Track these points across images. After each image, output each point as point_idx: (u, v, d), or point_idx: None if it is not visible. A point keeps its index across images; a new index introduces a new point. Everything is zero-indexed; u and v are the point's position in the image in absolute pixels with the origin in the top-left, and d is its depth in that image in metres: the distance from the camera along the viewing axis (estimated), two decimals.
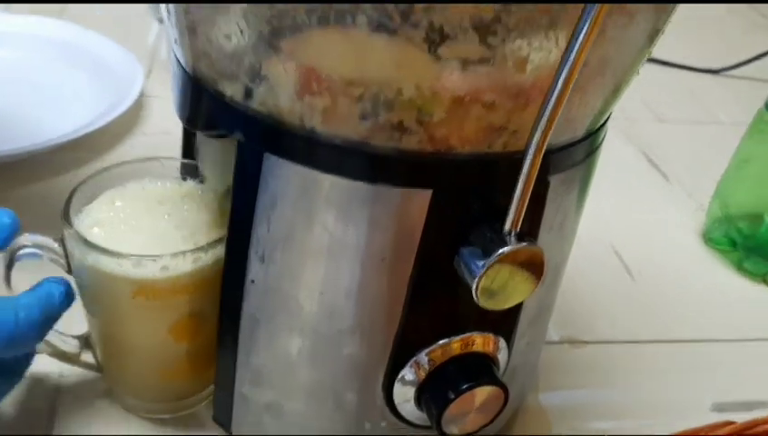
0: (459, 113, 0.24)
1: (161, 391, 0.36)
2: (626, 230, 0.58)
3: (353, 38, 0.22)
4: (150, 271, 0.30)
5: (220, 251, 0.31)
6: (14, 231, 0.31)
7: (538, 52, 0.22)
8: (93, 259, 0.30)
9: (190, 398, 0.37)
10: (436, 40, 0.22)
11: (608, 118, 0.32)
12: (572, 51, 0.22)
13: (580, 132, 0.28)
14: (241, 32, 0.24)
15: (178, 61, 0.29)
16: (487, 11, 0.21)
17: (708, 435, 0.33)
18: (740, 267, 0.55)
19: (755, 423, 0.34)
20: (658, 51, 0.86)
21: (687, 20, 1.06)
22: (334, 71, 0.23)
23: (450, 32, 0.21)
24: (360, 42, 0.22)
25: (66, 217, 0.32)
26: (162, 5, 0.28)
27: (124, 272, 0.30)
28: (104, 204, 0.34)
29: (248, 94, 0.26)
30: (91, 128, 0.54)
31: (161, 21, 0.78)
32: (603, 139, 0.32)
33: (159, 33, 0.76)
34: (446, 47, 0.22)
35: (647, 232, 0.58)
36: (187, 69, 0.28)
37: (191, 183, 0.36)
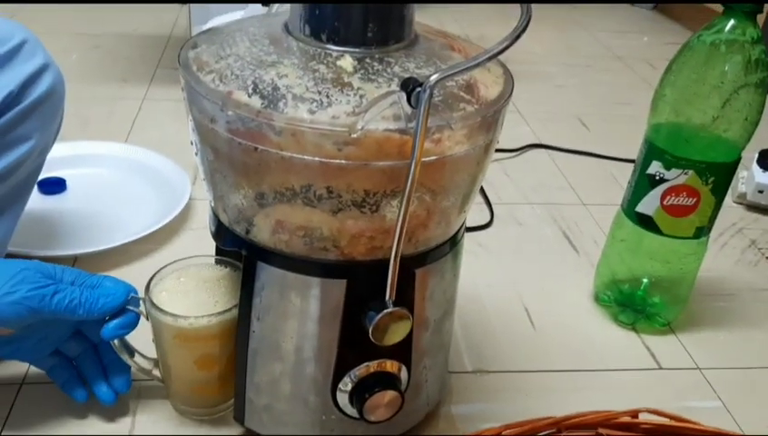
0: (354, 241, 0.46)
1: (194, 400, 0.58)
2: (536, 291, 0.79)
3: (297, 209, 0.45)
4: (183, 324, 0.53)
5: (230, 314, 0.53)
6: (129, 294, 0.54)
7: (387, 210, 0.45)
8: (155, 312, 0.53)
9: (217, 406, 0.59)
10: (335, 210, 0.44)
11: (462, 227, 0.54)
12: (400, 211, 0.43)
13: (434, 244, 0.50)
14: (243, 203, 0.47)
15: (211, 206, 0.52)
16: (358, 195, 0.43)
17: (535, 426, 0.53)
18: (616, 319, 0.75)
19: (572, 416, 0.54)
20: (591, 145, 1.15)
21: (615, 118, 1.30)
22: (290, 222, 0.46)
23: (342, 206, 0.44)
24: (300, 210, 0.45)
25: (147, 286, 0.54)
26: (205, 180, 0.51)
27: (169, 323, 0.53)
28: (173, 279, 0.57)
29: (247, 231, 0.48)
30: (155, 227, 0.77)
31: None
32: (460, 241, 0.54)
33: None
34: (341, 213, 0.44)
35: (552, 293, 0.79)
36: (216, 212, 0.51)
37: (225, 270, 0.58)
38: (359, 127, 0.41)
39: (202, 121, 0.45)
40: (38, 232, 0.77)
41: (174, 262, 0.57)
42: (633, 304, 0.75)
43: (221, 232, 0.52)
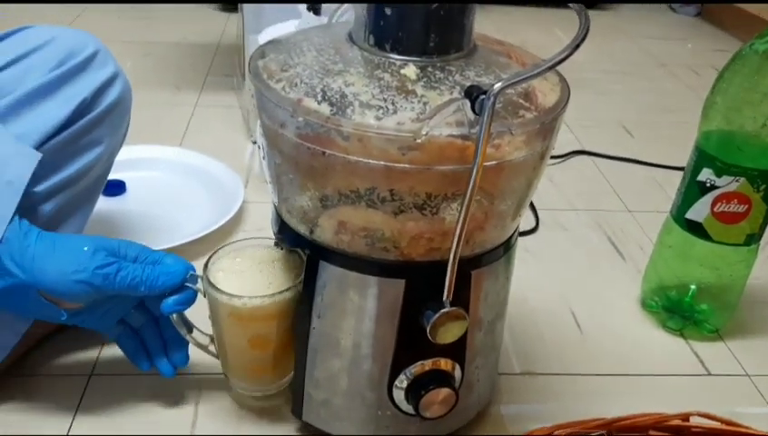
0: (414, 242, 0.48)
1: (248, 377, 0.60)
2: (582, 295, 0.79)
3: (360, 211, 0.47)
4: (237, 303, 0.54)
5: (283, 296, 0.54)
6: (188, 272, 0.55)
7: (447, 213, 0.46)
8: (211, 290, 0.54)
9: (269, 385, 0.60)
10: (397, 212, 0.46)
11: (516, 231, 0.55)
12: (461, 212, 0.45)
13: (490, 246, 0.52)
14: (308, 204, 0.49)
15: (275, 207, 0.54)
16: (420, 197, 0.45)
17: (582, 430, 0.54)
18: (664, 325, 0.76)
19: (623, 418, 0.55)
20: (635, 152, 1.15)
21: (659, 125, 1.30)
22: (352, 223, 0.48)
23: (404, 208, 0.46)
24: (363, 212, 0.46)
25: (205, 264, 0.56)
26: (268, 176, 0.54)
27: (224, 301, 0.54)
28: (229, 259, 0.58)
29: (311, 231, 0.50)
30: (210, 229, 0.80)
31: (254, 142, 1.06)
32: (513, 245, 0.55)
33: (252, 151, 1.04)
34: (402, 215, 0.46)
35: (599, 298, 0.79)
36: (279, 213, 0.54)
37: (281, 252, 0.58)
38: (424, 133, 0.43)
39: (272, 126, 0.47)
40: (102, 233, 0.81)
41: (232, 242, 0.59)
42: (680, 311, 0.76)
43: (285, 233, 0.54)
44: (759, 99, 0.63)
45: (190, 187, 0.93)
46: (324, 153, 0.45)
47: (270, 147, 0.49)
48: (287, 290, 0.54)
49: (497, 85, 0.41)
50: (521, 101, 0.47)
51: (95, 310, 0.56)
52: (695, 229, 0.70)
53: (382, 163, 0.44)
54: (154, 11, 1.68)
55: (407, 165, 0.44)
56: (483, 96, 0.41)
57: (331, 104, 0.44)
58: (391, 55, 0.47)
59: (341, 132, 0.43)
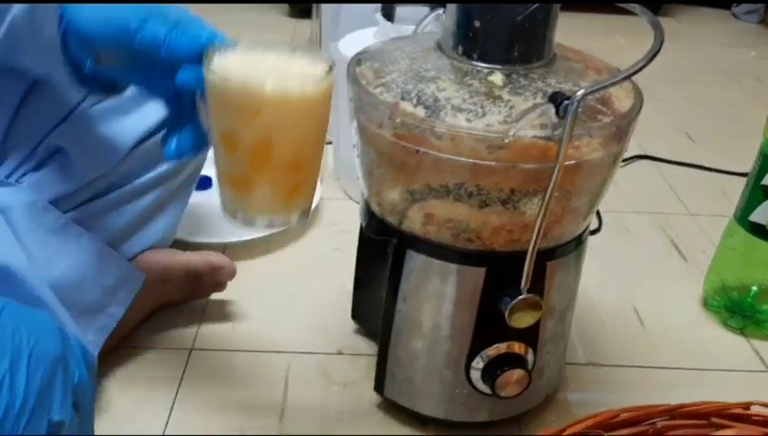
0: (496, 233, 0.52)
1: (259, 192, 0.47)
2: (644, 293, 0.83)
3: (448, 204, 0.51)
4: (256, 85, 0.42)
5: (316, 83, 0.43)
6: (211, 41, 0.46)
7: (528, 208, 0.51)
8: (220, 76, 0.43)
9: (282, 210, 0.48)
10: (482, 204, 0.51)
11: (587, 227, 0.59)
12: (542, 207, 0.50)
13: (564, 240, 0.56)
14: (399, 197, 0.54)
15: (364, 199, 0.60)
16: (504, 193, 0.50)
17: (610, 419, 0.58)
18: (725, 323, 0.78)
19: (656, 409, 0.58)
20: (698, 158, 1.18)
21: (721, 131, 1.31)
22: (440, 215, 0.53)
23: (489, 202, 0.50)
24: (451, 205, 0.51)
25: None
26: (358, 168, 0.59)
27: (238, 86, 0.43)
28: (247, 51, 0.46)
29: (399, 222, 0.56)
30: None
31: (328, 142, 1.11)
32: (585, 240, 0.59)
33: (325, 149, 1.09)
34: (487, 208, 0.51)
35: (661, 295, 0.83)
36: (369, 205, 0.59)
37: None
38: (512, 134, 0.47)
39: (369, 126, 0.53)
40: (194, 223, 0.87)
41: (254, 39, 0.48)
42: (742, 310, 0.78)
43: (373, 224, 0.59)
44: None
45: None
46: (418, 150, 0.50)
47: (366, 145, 0.55)
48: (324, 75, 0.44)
49: (581, 92, 0.46)
50: (599, 106, 0.51)
51: (129, 70, 0.50)
52: (759, 231, 0.72)
53: (471, 160, 0.49)
54: (222, 15, 1.77)
55: (494, 163, 0.48)
56: (567, 102, 0.46)
57: (426, 107, 0.49)
58: (479, 64, 0.52)
59: (435, 132, 0.49)
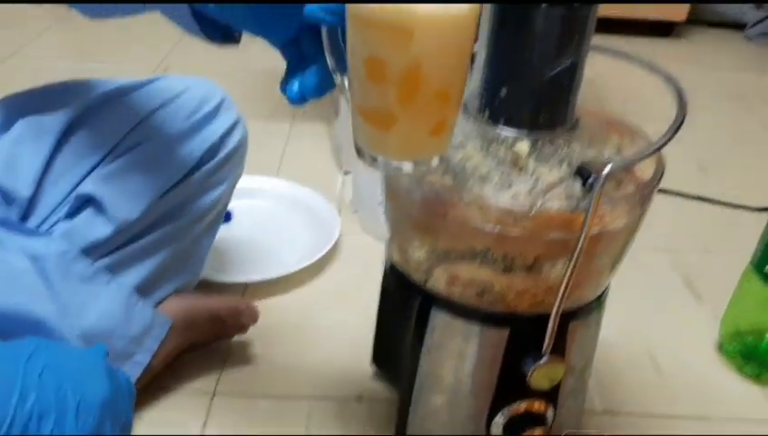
0: (520, 296, 0.53)
1: (405, 127, 0.43)
2: (660, 337, 0.83)
3: (473, 267, 0.52)
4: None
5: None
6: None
7: (552, 273, 0.52)
8: None
9: (427, 148, 0.45)
10: (507, 269, 0.51)
11: (608, 286, 0.60)
12: (566, 275, 0.50)
13: (585, 301, 0.57)
14: (425, 257, 0.55)
15: (389, 254, 0.61)
16: (529, 259, 0.51)
17: None
18: (741, 370, 0.79)
19: None
20: (711, 191, 1.19)
21: (737, 160, 1.31)
22: (465, 277, 0.54)
23: (514, 268, 0.51)
24: (476, 268, 0.52)
25: None
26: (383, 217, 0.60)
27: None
28: None
29: (424, 281, 0.56)
30: (311, 261, 0.87)
31: (345, 173, 1.13)
32: (605, 298, 0.60)
33: (344, 182, 1.10)
34: (512, 273, 0.52)
35: (677, 340, 0.83)
36: (393, 261, 0.60)
37: None
38: (537, 206, 0.48)
39: (398, 190, 0.54)
40: (216, 259, 0.89)
41: None
42: (757, 356, 0.79)
43: (398, 278, 0.60)
44: None
45: (289, 216, 1.00)
46: (446, 216, 0.51)
47: (395, 208, 0.56)
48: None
49: (607, 170, 0.47)
50: (622, 175, 0.52)
51: (252, 8, 0.46)
52: None
53: (498, 229, 0.49)
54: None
55: (519, 233, 0.49)
56: (593, 177, 0.47)
57: (454, 176, 0.50)
58: (504, 128, 0.53)
59: (462, 199, 0.49)
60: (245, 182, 1.04)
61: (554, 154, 0.52)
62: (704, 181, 1.21)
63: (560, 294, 0.51)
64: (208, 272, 0.83)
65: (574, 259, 0.49)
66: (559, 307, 0.52)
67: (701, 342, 0.83)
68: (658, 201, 1.18)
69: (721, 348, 0.82)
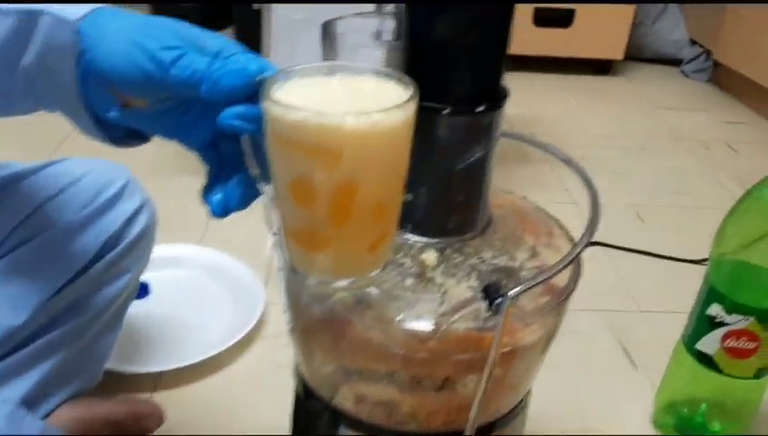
0: (432, 416, 0.50)
1: (341, 248, 0.40)
2: (594, 408, 0.81)
3: (380, 387, 0.48)
4: (328, 123, 0.35)
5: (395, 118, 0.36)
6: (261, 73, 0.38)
7: (464, 391, 0.48)
8: (278, 109, 0.36)
9: (367, 266, 0.41)
10: (415, 389, 0.48)
11: (529, 390, 0.57)
12: (477, 396, 0.47)
13: (505, 411, 0.53)
14: (330, 375, 0.51)
15: (298, 369, 0.56)
16: (438, 380, 0.47)
17: None
18: None
19: None
20: (648, 241, 1.16)
21: (672, 210, 1.31)
22: (372, 397, 0.50)
23: (423, 389, 0.48)
24: (383, 389, 0.48)
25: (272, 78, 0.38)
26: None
27: (276, 114, 0.36)
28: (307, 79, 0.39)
29: (332, 397, 0.52)
30: (232, 342, 0.82)
31: (274, 234, 1.08)
32: (527, 402, 0.57)
33: (273, 245, 1.06)
34: (422, 393, 0.48)
35: (611, 412, 0.81)
36: (302, 376, 0.56)
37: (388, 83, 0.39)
38: (443, 328, 0.45)
39: (299, 303, 0.50)
40: (126, 345, 0.83)
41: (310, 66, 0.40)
42: (692, 429, 0.77)
43: (306, 390, 0.56)
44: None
45: (212, 289, 0.95)
46: (346, 336, 0.47)
47: (295, 320, 0.52)
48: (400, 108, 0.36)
49: (513, 292, 0.43)
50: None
51: (160, 114, 0.42)
52: (706, 361, 0.71)
53: (403, 351, 0.46)
54: None
55: (426, 355, 0.46)
56: (499, 299, 0.43)
57: (355, 292, 0.46)
58: (410, 236, 0.50)
59: (364, 320, 0.46)
60: (166, 250, 0.99)
61: (463, 264, 0.48)
62: (642, 231, 1.20)
63: (472, 417, 0.47)
64: (115, 363, 0.77)
65: (484, 380, 0.46)
66: (473, 428, 0.48)
67: (636, 414, 0.81)
68: (595, 254, 1.15)
69: (656, 423, 0.80)
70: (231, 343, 0.82)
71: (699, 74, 1.97)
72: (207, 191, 0.44)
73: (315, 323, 0.49)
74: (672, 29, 2.01)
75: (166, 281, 0.95)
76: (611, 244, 1.14)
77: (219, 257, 0.98)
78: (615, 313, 0.98)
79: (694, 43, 2.01)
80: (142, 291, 0.93)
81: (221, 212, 0.43)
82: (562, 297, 0.49)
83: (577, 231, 0.57)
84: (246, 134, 0.40)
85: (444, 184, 0.48)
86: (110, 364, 0.76)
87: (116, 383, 0.76)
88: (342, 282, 0.42)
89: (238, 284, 0.94)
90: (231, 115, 0.39)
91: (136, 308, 0.90)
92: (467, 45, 0.44)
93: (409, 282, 0.47)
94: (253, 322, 0.86)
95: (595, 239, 1.20)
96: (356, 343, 0.47)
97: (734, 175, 1.43)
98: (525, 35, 1.78)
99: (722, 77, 1.92)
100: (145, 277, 0.93)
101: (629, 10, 1.84)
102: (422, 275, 0.47)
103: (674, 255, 1.14)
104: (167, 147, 0.64)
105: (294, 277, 0.49)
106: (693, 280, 0.76)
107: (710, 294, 0.70)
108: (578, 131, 1.57)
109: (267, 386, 0.80)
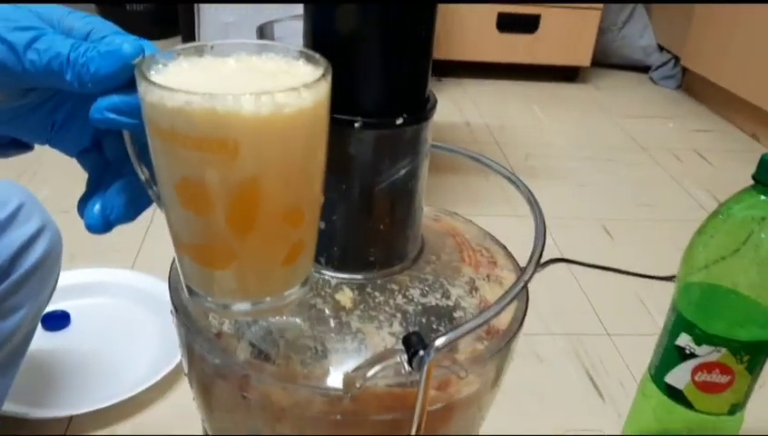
0: None
1: (244, 263, 0.32)
2: None
3: None
4: (219, 106, 0.28)
5: (269, 103, 0.28)
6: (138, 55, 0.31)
7: None
8: (159, 92, 0.28)
9: (277, 286, 0.33)
10: None
11: None
12: None
13: None
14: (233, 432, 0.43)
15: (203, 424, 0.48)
16: None
17: None
18: None
19: None
20: (615, 257, 1.09)
21: (641, 223, 1.25)
22: None
23: None
24: None
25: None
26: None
27: (155, 99, 0.29)
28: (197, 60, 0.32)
29: None
30: (155, 379, 0.74)
31: None
32: None
33: None
34: None
35: None
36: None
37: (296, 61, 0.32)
38: (358, 386, 0.37)
39: (193, 352, 0.42)
40: (38, 385, 0.74)
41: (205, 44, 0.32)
42: None
43: None
44: (742, 261, 0.58)
45: (140, 315, 0.87)
46: (244, 396, 0.39)
47: (190, 370, 0.44)
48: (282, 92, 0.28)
49: (439, 342, 0.36)
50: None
51: (17, 112, 0.35)
52: (676, 396, 0.64)
53: (312, 414, 0.38)
54: None
55: (339, 417, 0.38)
56: (421, 353, 0.36)
57: (252, 344, 0.39)
58: (324, 272, 0.42)
59: (264, 378, 0.38)
60: (89, 275, 0.91)
61: (386, 304, 0.41)
62: (609, 246, 1.14)
63: None
64: (19, 407, 0.69)
65: None
66: None
67: None
68: (559, 270, 1.08)
69: None
70: (153, 381, 0.74)
71: (667, 80, 1.92)
72: (83, 201, 0.36)
73: (210, 377, 0.41)
74: (640, 35, 1.97)
75: (88, 310, 0.86)
76: (576, 260, 1.08)
77: (149, 283, 0.90)
78: (580, 337, 0.91)
79: (662, 49, 1.97)
80: (62, 320, 0.84)
81: (100, 224, 0.35)
82: (504, 341, 0.42)
83: (524, 251, 0.51)
84: (127, 130, 0.33)
85: (361, 209, 0.40)
86: (13, 408, 0.68)
87: (21, 430, 0.67)
88: (249, 309, 0.34)
89: (167, 313, 0.85)
90: (104, 107, 0.32)
91: (54, 341, 0.82)
92: (377, 43, 0.37)
93: (320, 328, 0.39)
94: (176, 361, 0.77)
95: (559, 255, 1.15)
96: (256, 403, 0.39)
97: (705, 186, 1.38)
98: (488, 41, 1.72)
99: (691, 84, 1.87)
100: (66, 306, 0.86)
101: (595, 15, 1.79)
102: (336, 318, 0.40)
103: (643, 271, 1.08)
104: None
105: (186, 322, 0.41)
106: (662, 298, 0.69)
107: (678, 322, 0.63)
108: (543, 140, 1.51)
109: (195, 429, 0.72)
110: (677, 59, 1.89)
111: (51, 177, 1.18)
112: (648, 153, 1.51)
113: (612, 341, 0.91)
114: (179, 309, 0.43)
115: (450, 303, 0.42)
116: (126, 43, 0.32)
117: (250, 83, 0.31)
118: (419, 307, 0.41)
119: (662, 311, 0.97)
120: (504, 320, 0.43)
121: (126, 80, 0.31)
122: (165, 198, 0.32)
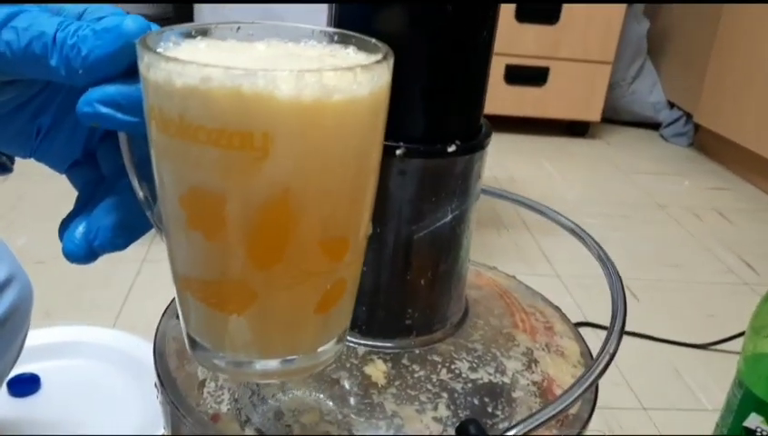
0: None
1: (266, 307, 0.24)
2: None
3: None
4: (246, 85, 0.20)
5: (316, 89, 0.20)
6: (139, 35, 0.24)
7: None
8: (167, 65, 0.21)
9: (309, 340, 0.25)
10: None
11: None
12: None
13: None
14: None
15: None
16: None
17: None
18: None
19: None
20: (643, 321, 0.96)
21: (667, 285, 1.16)
22: None
23: None
24: None
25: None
26: None
27: (162, 78, 0.22)
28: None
29: None
30: None
31: None
32: None
33: None
34: None
35: None
36: None
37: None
38: None
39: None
40: None
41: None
42: None
43: None
44: None
45: (118, 382, 0.77)
46: None
47: None
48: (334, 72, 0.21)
49: (510, 434, 0.27)
50: (534, 400, 0.33)
51: (16, 112, 0.28)
52: None
53: None
54: None
55: None
56: None
57: (259, 430, 0.30)
58: (351, 339, 0.34)
59: None
60: (63, 334, 0.82)
61: (426, 382, 0.32)
62: (636, 309, 1.05)
63: None
64: None
65: None
66: None
67: None
68: (587, 335, 0.99)
69: None
70: None
71: (679, 138, 1.87)
72: (66, 222, 0.28)
73: None
74: (649, 91, 1.93)
75: (61, 373, 0.77)
76: (603, 325, 0.99)
77: (129, 343, 0.80)
78: (613, 412, 0.82)
79: (672, 105, 1.92)
80: (31, 385, 0.75)
81: (82, 251, 0.27)
82: (576, 431, 0.33)
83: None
84: (123, 131, 0.26)
85: (398, 259, 0.32)
86: None
87: None
88: (267, 364, 0.25)
89: (150, 378, 0.76)
90: (96, 99, 0.24)
91: (21, 408, 0.72)
92: (425, 51, 0.29)
93: (345, 410, 0.30)
94: (163, 428, 0.68)
95: (582, 318, 1.05)
96: None
97: (730, 246, 1.30)
98: (496, 93, 1.67)
99: (704, 141, 1.82)
100: (36, 368, 0.76)
101: (606, 69, 1.75)
102: (367, 398, 0.31)
103: (674, 338, 1.00)
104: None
105: (174, 398, 0.33)
106: (702, 367, 0.60)
107: (746, 401, 0.54)
108: (555, 196, 1.44)
109: None
110: (689, 116, 1.84)
111: (29, 224, 1.10)
112: (666, 210, 1.44)
113: (647, 416, 0.82)
114: (165, 382, 0.34)
115: (506, 380, 0.33)
116: (129, 19, 0.24)
117: (287, 63, 0.23)
118: (469, 385, 0.32)
119: (700, 383, 0.88)
120: (563, 376, 0.35)
121: (126, 66, 0.24)
122: (167, 216, 0.24)
